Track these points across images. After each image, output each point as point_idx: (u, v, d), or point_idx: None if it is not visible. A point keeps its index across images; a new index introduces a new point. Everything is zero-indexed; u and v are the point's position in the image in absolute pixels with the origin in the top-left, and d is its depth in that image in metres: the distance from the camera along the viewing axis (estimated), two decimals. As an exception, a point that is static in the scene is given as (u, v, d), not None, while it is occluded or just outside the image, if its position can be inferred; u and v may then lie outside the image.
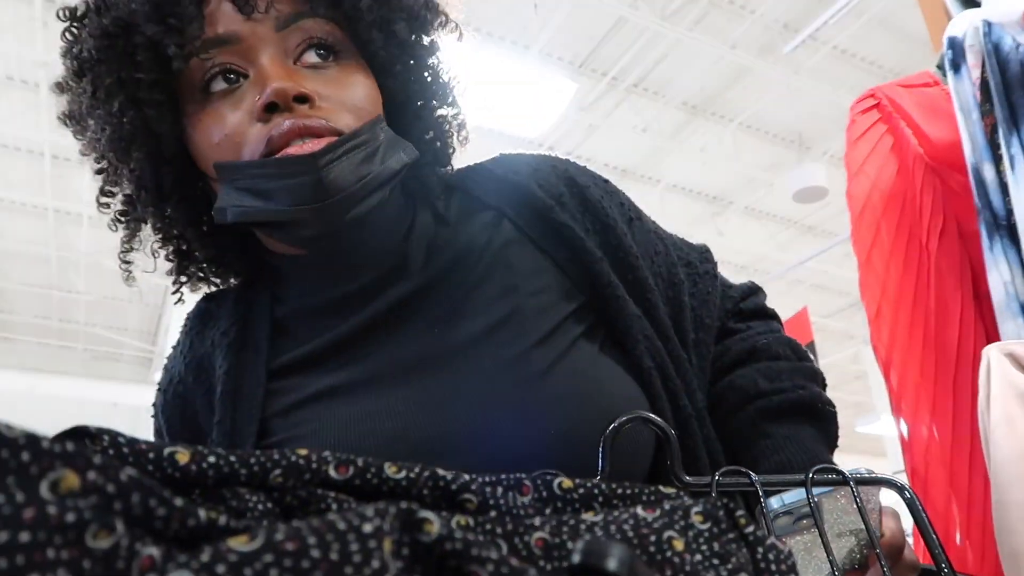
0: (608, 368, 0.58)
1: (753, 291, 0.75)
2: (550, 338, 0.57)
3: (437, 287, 0.60)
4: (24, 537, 0.16)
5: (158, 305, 6.87)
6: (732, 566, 0.27)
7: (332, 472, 0.29)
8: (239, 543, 0.18)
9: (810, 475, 0.44)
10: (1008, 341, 1.07)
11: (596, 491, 0.31)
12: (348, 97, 0.55)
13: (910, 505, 0.45)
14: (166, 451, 0.27)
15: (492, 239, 0.62)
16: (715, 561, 0.27)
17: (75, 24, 0.56)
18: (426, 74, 0.64)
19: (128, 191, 0.61)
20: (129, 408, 6.96)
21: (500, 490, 0.30)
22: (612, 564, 0.21)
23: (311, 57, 0.56)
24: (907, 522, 0.50)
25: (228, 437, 0.57)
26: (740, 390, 0.65)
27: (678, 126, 5.11)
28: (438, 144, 0.66)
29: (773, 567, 0.28)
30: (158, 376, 0.68)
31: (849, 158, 1.21)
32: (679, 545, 0.27)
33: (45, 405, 6.39)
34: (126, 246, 0.64)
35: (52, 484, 0.17)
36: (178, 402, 0.64)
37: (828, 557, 0.42)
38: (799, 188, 4.52)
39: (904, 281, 1.12)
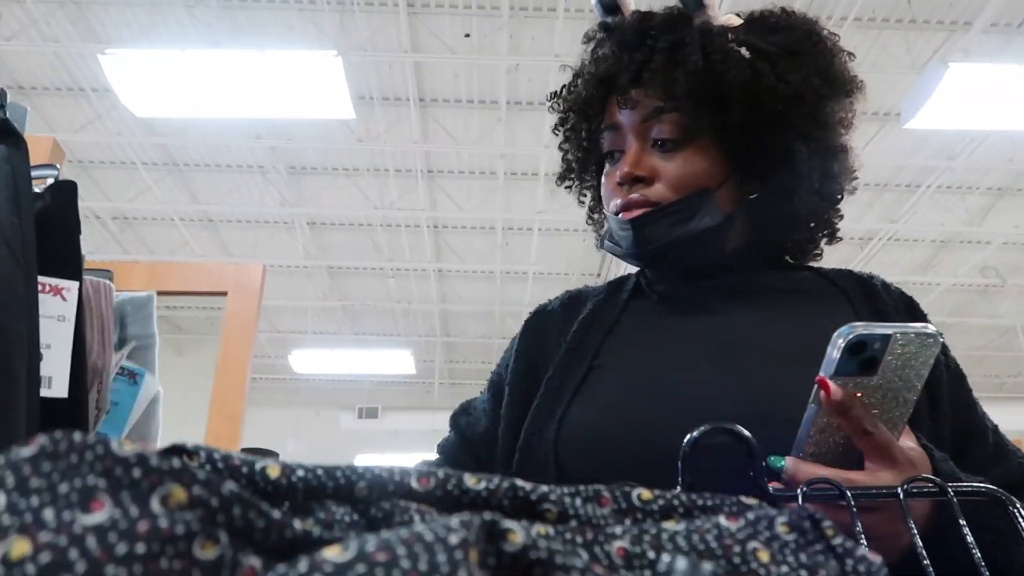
0: None
1: None
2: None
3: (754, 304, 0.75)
4: (140, 549, 0.17)
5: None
6: (821, 578, 0.26)
7: (414, 483, 0.29)
8: (333, 554, 0.19)
9: (903, 487, 0.43)
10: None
11: (676, 502, 0.31)
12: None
13: (1016, 519, 0.43)
14: (258, 466, 0.29)
15: (827, 299, 0.76)
16: (802, 573, 0.26)
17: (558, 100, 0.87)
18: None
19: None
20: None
21: (579, 500, 0.30)
22: None
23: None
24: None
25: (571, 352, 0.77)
26: None
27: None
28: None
29: (864, 579, 0.27)
30: None
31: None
32: (764, 556, 0.27)
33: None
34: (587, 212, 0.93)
35: (162, 498, 0.18)
36: (539, 326, 0.85)
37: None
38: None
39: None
